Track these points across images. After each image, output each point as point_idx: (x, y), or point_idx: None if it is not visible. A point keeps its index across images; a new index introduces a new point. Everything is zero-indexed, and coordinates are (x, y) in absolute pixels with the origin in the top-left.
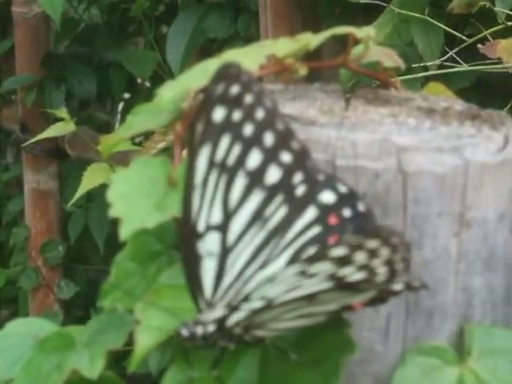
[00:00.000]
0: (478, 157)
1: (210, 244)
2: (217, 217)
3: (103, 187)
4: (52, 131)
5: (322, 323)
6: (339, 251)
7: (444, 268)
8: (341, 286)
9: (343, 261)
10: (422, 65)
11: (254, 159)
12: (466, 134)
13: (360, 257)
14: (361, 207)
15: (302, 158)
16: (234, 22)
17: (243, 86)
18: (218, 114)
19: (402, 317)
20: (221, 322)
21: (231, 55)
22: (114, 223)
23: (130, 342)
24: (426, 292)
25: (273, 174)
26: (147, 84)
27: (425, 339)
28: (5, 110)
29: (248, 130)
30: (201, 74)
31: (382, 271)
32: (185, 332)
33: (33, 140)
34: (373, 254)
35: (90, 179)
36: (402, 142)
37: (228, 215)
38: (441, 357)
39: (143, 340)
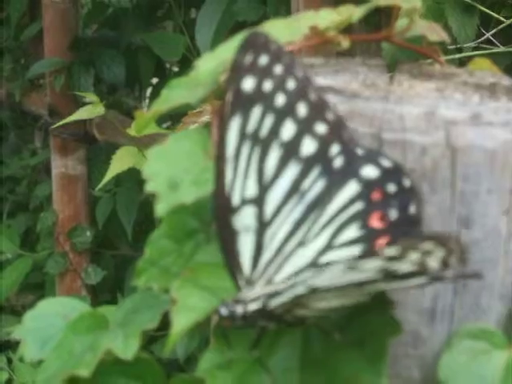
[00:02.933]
0: None
1: (245, 218)
2: (252, 190)
3: (131, 172)
4: (81, 114)
5: (366, 303)
6: (392, 252)
7: (493, 247)
8: (390, 277)
9: (396, 259)
10: (457, 46)
11: (288, 130)
12: None
13: (413, 256)
14: (406, 182)
15: (337, 128)
16: (263, 4)
17: (272, 55)
18: (248, 83)
19: (449, 298)
20: (263, 304)
21: (272, 26)
22: (142, 208)
23: (158, 327)
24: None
25: (308, 146)
26: (175, 69)
27: (472, 322)
28: (33, 94)
29: (280, 100)
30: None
31: (434, 265)
32: (224, 311)
33: (62, 122)
34: (427, 254)
35: (118, 163)
36: (451, 116)
37: (263, 188)
38: (489, 340)
39: (180, 320)
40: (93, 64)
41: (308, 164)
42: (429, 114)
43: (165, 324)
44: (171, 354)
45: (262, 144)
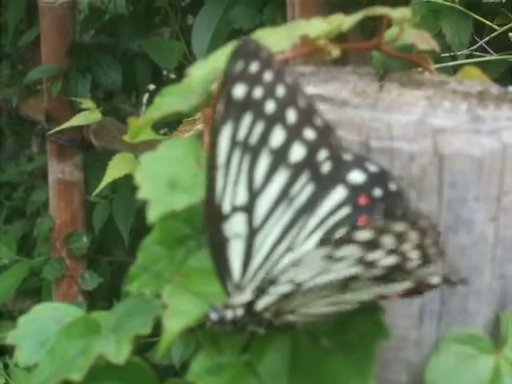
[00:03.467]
0: None
1: (236, 225)
2: (242, 197)
3: (128, 178)
4: (78, 119)
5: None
6: (365, 235)
7: (480, 254)
8: (371, 272)
9: (370, 245)
10: (451, 54)
11: (278, 137)
12: (504, 116)
13: (387, 241)
14: (392, 186)
15: (325, 134)
16: (259, 12)
17: (263, 62)
18: (239, 91)
19: (437, 303)
20: (249, 305)
21: (263, 34)
22: (139, 214)
23: (153, 334)
24: None
25: (297, 152)
26: (172, 76)
27: (459, 327)
28: (30, 100)
29: (270, 107)
30: None
31: (413, 256)
32: (214, 316)
33: (59, 128)
34: (401, 237)
35: (115, 169)
36: (438, 124)
37: (253, 195)
38: (476, 345)
39: (171, 325)
40: (90, 70)
41: (297, 170)
42: (417, 122)
43: (160, 331)
44: (167, 361)
45: (252, 151)
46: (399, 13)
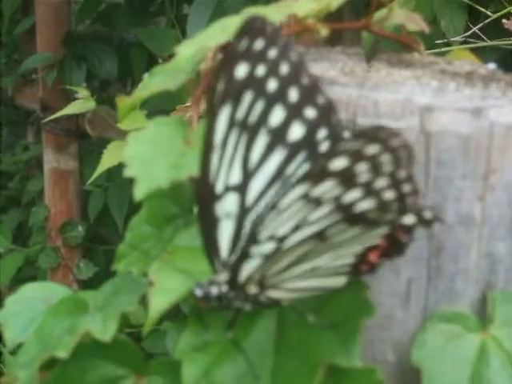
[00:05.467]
0: (503, 118)
1: (228, 205)
2: (236, 177)
3: (123, 167)
4: (73, 108)
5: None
6: (339, 163)
7: (467, 233)
8: (350, 217)
9: (346, 177)
10: (445, 41)
11: (277, 116)
12: (491, 96)
13: (361, 167)
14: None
15: (327, 113)
16: (254, 1)
17: (268, 39)
18: (241, 70)
19: (424, 281)
20: (234, 279)
21: (251, 12)
22: (133, 203)
23: None
24: (448, 257)
25: (296, 131)
26: None
27: (446, 305)
28: (26, 90)
29: (272, 85)
30: (219, 31)
31: (389, 196)
32: (199, 292)
33: (54, 116)
34: (374, 162)
35: (110, 157)
36: (426, 102)
37: (248, 175)
38: (463, 323)
39: (157, 302)
40: (85, 59)
41: (294, 149)
42: (404, 100)
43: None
44: (161, 349)
45: (250, 131)
46: None
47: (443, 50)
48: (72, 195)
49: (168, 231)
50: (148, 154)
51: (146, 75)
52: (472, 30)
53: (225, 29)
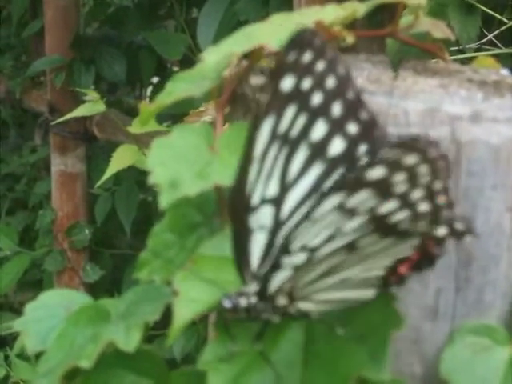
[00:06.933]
0: None
1: (262, 217)
2: (273, 190)
3: (131, 170)
4: (81, 110)
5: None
6: (377, 172)
7: (497, 243)
8: (383, 228)
9: (382, 187)
10: (459, 48)
11: (319, 130)
12: None
13: (399, 177)
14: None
15: (369, 128)
16: (265, 4)
17: (316, 52)
18: (287, 83)
19: (452, 293)
20: (263, 290)
21: (276, 19)
22: (141, 207)
23: (154, 327)
24: (477, 268)
25: (336, 146)
26: (176, 69)
27: (475, 317)
28: (34, 92)
29: (316, 99)
30: (244, 38)
31: (424, 208)
32: (227, 303)
33: (62, 119)
34: (412, 173)
35: (118, 160)
36: (456, 112)
37: (285, 188)
38: (491, 336)
39: (182, 312)
40: (93, 62)
41: (333, 164)
42: (434, 110)
43: (162, 324)
44: (168, 354)
45: (291, 144)
46: (415, 0)
47: (458, 57)
48: (79, 198)
49: (191, 240)
50: (173, 162)
51: (155, 79)
52: (488, 38)
53: (250, 36)
